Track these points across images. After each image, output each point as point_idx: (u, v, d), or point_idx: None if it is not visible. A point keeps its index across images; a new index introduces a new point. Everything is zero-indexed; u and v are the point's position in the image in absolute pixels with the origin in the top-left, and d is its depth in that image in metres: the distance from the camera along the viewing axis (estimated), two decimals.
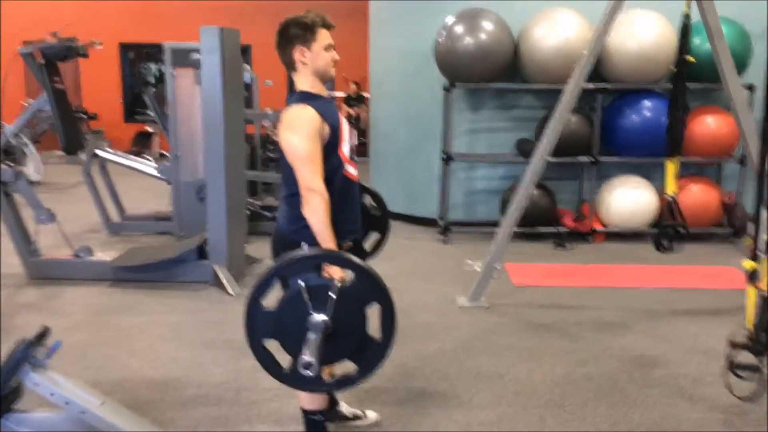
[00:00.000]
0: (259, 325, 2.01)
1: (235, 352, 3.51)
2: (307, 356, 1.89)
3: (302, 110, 2.25)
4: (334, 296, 1.94)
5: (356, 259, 2.00)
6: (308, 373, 1.89)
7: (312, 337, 1.94)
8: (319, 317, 1.96)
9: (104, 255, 4.90)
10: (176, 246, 4.99)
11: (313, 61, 2.31)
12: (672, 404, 3.00)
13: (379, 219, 2.85)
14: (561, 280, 4.91)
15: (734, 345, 2.93)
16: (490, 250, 4.31)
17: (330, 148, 2.29)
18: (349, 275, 2.01)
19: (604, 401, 3.02)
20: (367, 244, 2.77)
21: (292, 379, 2.05)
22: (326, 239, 2.21)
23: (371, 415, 2.81)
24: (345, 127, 2.38)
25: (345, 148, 2.35)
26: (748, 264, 2.93)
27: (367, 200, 2.87)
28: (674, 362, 3.45)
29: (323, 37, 2.32)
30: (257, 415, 2.87)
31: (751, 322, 2.90)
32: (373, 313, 2.01)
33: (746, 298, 2.94)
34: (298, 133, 2.22)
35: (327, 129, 2.27)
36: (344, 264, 2.03)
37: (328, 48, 2.33)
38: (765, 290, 2.87)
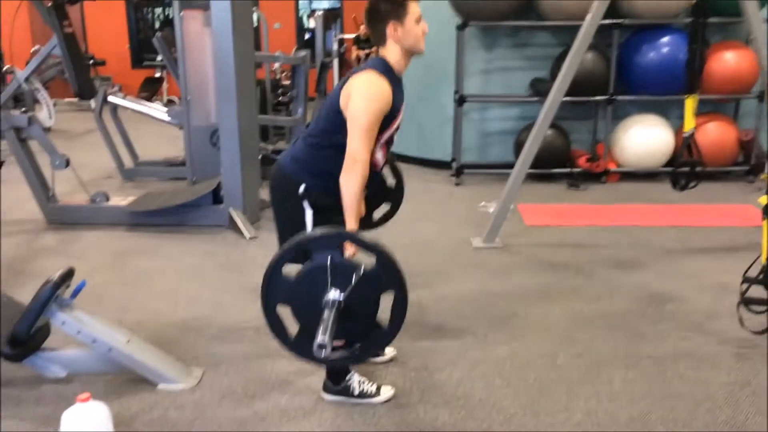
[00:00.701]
0: (275, 291, 2.06)
1: (252, 293, 3.56)
2: (321, 336, 1.92)
3: (382, 83, 2.25)
4: (354, 279, 1.98)
5: (386, 248, 2.01)
6: (320, 354, 1.93)
7: (326, 315, 1.97)
8: (336, 295, 2.00)
9: (120, 200, 4.95)
10: (191, 190, 5.02)
11: (406, 37, 2.31)
12: (684, 337, 3.04)
13: (394, 191, 2.86)
14: (574, 219, 4.91)
15: (748, 280, 2.95)
16: (503, 192, 4.31)
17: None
18: (369, 258, 2.02)
19: (616, 335, 3.07)
20: (377, 213, 2.79)
21: (296, 347, 2.12)
22: (353, 212, 2.24)
23: (389, 350, 2.87)
24: (400, 116, 2.37)
25: (387, 134, 2.35)
26: (764, 199, 2.92)
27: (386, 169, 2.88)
28: (687, 298, 3.49)
29: (413, 9, 2.31)
30: (277, 352, 2.91)
31: (766, 256, 2.91)
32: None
33: (762, 234, 2.94)
34: (369, 104, 2.22)
35: (389, 111, 2.28)
36: (373, 250, 2.02)
37: (418, 20, 2.32)
38: None
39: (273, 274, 2.04)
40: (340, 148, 2.27)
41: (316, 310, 2.01)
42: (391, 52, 2.34)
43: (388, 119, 2.30)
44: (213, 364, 2.81)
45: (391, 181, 2.89)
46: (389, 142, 2.41)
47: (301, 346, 2.08)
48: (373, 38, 2.37)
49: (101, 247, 4.34)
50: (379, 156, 2.39)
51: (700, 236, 4.47)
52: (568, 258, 4.10)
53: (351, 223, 2.26)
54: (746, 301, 2.95)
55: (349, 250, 2.16)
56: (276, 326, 2.11)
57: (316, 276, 2.01)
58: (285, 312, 2.13)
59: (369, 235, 2.09)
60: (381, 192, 2.76)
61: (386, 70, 2.31)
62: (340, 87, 2.32)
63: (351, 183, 2.22)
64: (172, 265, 4.01)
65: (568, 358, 2.87)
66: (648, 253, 4.16)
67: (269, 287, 2.06)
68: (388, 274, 2.01)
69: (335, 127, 2.29)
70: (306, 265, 2.04)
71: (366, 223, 2.70)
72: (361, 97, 2.23)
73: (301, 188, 2.35)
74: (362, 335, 2.10)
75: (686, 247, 4.28)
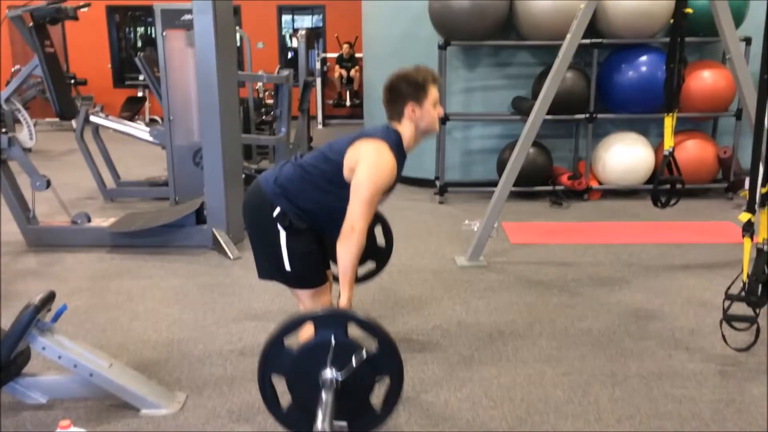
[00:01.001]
0: (274, 359, 2.06)
1: (237, 314, 3.55)
2: (320, 424, 1.92)
3: (390, 159, 2.31)
4: (355, 363, 1.99)
5: (387, 333, 2.04)
6: None
7: (326, 399, 1.98)
8: (334, 374, 2.01)
9: (102, 221, 4.90)
10: (174, 211, 4.99)
11: (422, 118, 2.38)
12: (668, 355, 3.06)
13: (382, 250, 2.89)
14: (558, 237, 4.94)
15: (730, 296, 2.98)
16: (487, 210, 4.33)
17: None
18: (372, 343, 2.05)
19: (601, 353, 3.08)
20: (361, 270, 2.81)
21: (287, 420, 2.12)
22: (348, 281, 2.27)
23: None
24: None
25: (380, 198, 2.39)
26: (744, 216, 2.96)
27: (377, 228, 2.93)
28: (671, 315, 3.51)
29: (433, 93, 2.37)
30: None
31: (747, 273, 2.94)
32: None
33: (743, 251, 2.98)
34: (376, 177, 2.26)
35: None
36: (374, 333, 2.04)
37: (435, 104, 2.39)
38: (761, 242, 2.91)
39: (273, 346, 2.05)
40: (328, 192, 2.35)
41: (311, 385, 2.03)
42: (406, 129, 2.41)
43: (386, 189, 2.36)
44: (197, 388, 2.77)
45: (381, 240, 2.91)
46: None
47: (293, 420, 2.10)
48: (389, 112, 2.43)
49: (82, 269, 4.29)
50: None
51: (681, 253, 4.51)
52: (552, 276, 4.12)
53: (346, 292, 2.28)
54: (729, 318, 2.98)
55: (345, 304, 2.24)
56: (269, 397, 2.11)
57: (317, 352, 2.03)
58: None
59: (364, 313, 2.12)
60: (370, 249, 2.77)
61: (397, 145, 2.37)
62: (350, 142, 2.36)
63: (348, 251, 2.25)
64: (155, 286, 3.97)
65: (554, 376, 2.87)
66: (631, 271, 4.20)
67: (268, 357, 2.06)
68: (387, 358, 2.04)
69: (332, 175, 2.34)
70: (308, 340, 2.07)
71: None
72: (369, 169, 2.27)
73: (276, 210, 2.36)
74: (352, 415, 2.10)
75: (668, 264, 4.32)
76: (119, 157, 6.69)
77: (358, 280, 2.81)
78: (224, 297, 3.80)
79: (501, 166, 5.88)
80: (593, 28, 5.54)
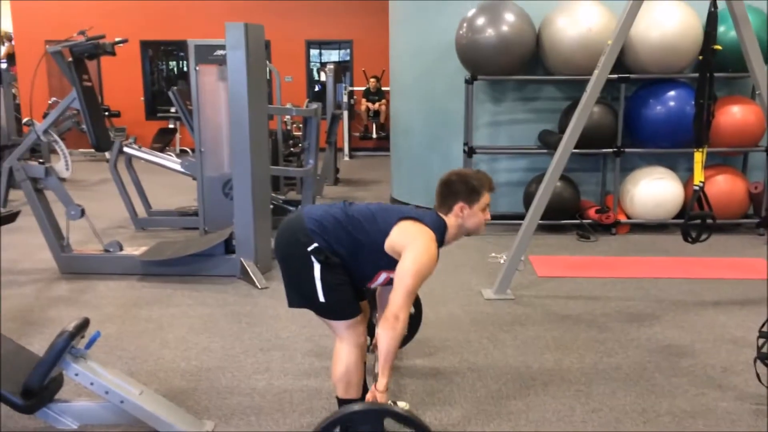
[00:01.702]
0: None
1: (264, 343, 3.57)
2: None
3: (435, 253, 2.37)
4: None
5: (424, 424, 2.09)
6: None
7: None
8: None
9: (133, 250, 4.99)
10: (203, 240, 5.06)
11: (469, 219, 2.49)
12: (701, 393, 3.00)
13: (412, 318, 2.92)
14: (586, 271, 4.90)
15: (764, 334, 2.92)
16: (514, 242, 4.32)
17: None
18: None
19: (632, 390, 3.03)
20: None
21: None
22: (387, 367, 2.30)
23: (402, 405, 2.85)
24: None
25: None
26: None
27: None
28: (702, 352, 3.45)
29: (485, 199, 2.48)
30: (289, 403, 2.92)
31: None
32: None
33: None
34: (421, 269, 2.31)
35: None
36: (411, 425, 2.09)
37: (485, 209, 2.49)
38: None
39: None
40: (365, 248, 2.41)
41: None
42: (451, 224, 2.50)
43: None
44: (224, 417, 2.79)
45: (411, 309, 2.93)
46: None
47: None
48: (439, 204, 2.52)
49: (113, 296, 4.36)
50: (384, 281, 2.52)
51: (712, 289, 4.44)
52: (581, 310, 4.08)
53: (384, 377, 2.30)
54: (763, 357, 2.92)
55: (382, 398, 2.27)
56: None
57: None
58: None
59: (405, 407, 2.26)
60: None
61: (441, 235, 2.45)
62: (401, 216, 2.44)
63: (391, 338, 2.27)
64: (184, 314, 4.02)
65: (584, 413, 2.83)
66: (660, 306, 4.14)
67: None
68: None
69: (374, 239, 2.40)
70: None
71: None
72: (415, 261, 2.32)
73: (313, 245, 2.38)
74: None
75: (699, 300, 4.26)
76: (150, 187, 6.83)
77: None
78: (252, 326, 3.82)
79: (528, 199, 5.88)
80: (620, 62, 5.55)
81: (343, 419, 2.12)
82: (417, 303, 3.00)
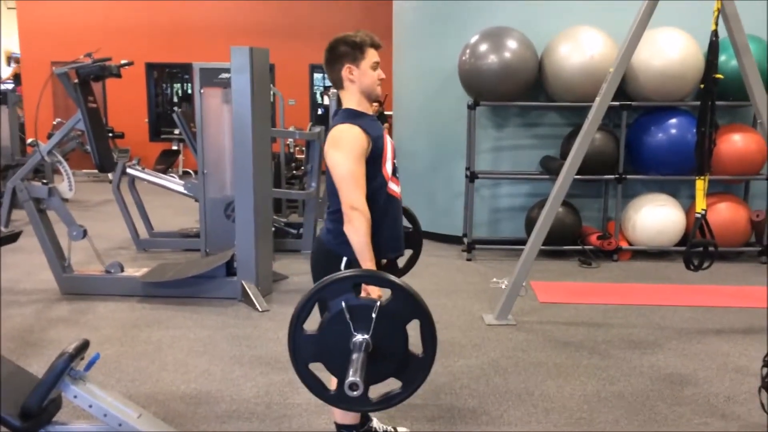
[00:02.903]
0: (302, 349, 2.02)
1: (264, 367, 3.55)
2: (351, 376, 1.88)
3: (348, 129, 2.29)
4: (375, 315, 1.96)
5: (393, 278, 2.00)
6: (354, 393, 1.89)
7: (355, 356, 1.94)
8: (361, 337, 1.97)
9: (134, 271, 4.98)
10: (205, 262, 5.05)
11: (360, 80, 2.36)
12: (704, 423, 2.98)
13: (412, 235, 2.87)
14: (587, 297, 4.88)
15: None
16: (515, 268, 4.31)
17: (374, 166, 2.32)
18: (387, 293, 2.02)
19: (635, 419, 3.00)
20: (401, 261, 2.79)
21: (340, 399, 2.04)
22: (366, 258, 2.23)
23: (402, 431, 2.82)
24: (389, 145, 2.42)
25: (388, 166, 2.39)
26: None
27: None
28: (706, 380, 3.42)
29: (371, 55, 2.37)
30: (288, 428, 2.89)
31: None
32: (413, 328, 2.01)
33: None
34: (343, 152, 2.26)
35: (371, 147, 2.31)
36: (382, 283, 2.04)
37: (375, 66, 2.38)
38: None
39: (295, 333, 2.00)
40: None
41: (347, 357, 1.97)
42: (350, 94, 2.39)
43: (376, 153, 2.33)
44: None
45: (406, 224, 2.89)
46: (396, 171, 2.44)
47: (344, 398, 2.00)
48: (330, 79, 2.43)
49: (114, 318, 4.34)
50: (394, 186, 2.42)
51: (715, 317, 4.42)
52: (582, 337, 4.06)
53: (367, 265, 2.24)
54: (767, 386, 2.89)
55: (375, 292, 2.15)
56: (312, 385, 2.06)
57: (337, 324, 1.98)
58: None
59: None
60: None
61: (349, 115, 2.35)
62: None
63: (355, 230, 2.23)
64: (184, 336, 4.00)
65: None
66: (663, 334, 4.12)
67: (295, 347, 2.02)
68: (406, 303, 1.99)
69: (336, 189, 2.32)
70: (324, 316, 2.02)
71: (392, 271, 2.66)
72: (334, 148, 2.28)
73: (344, 262, 2.35)
74: (400, 369, 2.05)
75: (701, 328, 4.24)
76: (153, 209, 6.84)
77: (402, 271, 2.76)
78: (252, 349, 3.80)
79: (529, 224, 5.88)
80: (622, 90, 5.59)
81: (311, 298, 2.01)
82: (412, 218, 2.87)
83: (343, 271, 2.19)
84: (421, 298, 1.99)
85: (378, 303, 1.96)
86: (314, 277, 2.47)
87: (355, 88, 2.37)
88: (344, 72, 2.36)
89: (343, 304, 1.97)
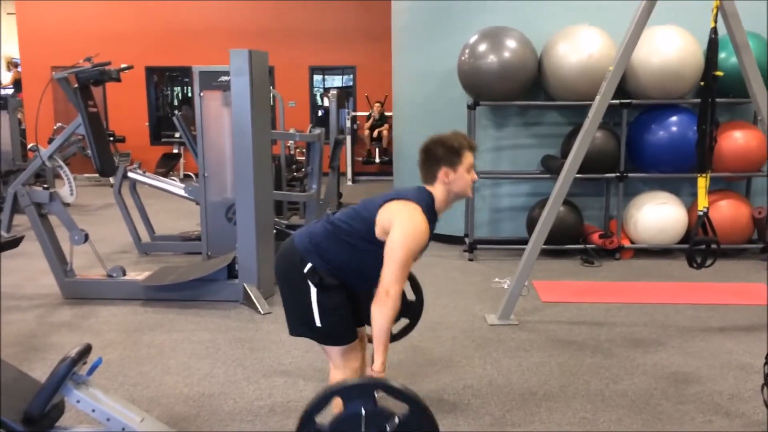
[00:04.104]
0: None
1: (266, 369, 3.55)
2: None
3: (423, 223, 2.32)
4: (389, 430, 1.97)
5: (416, 395, 2.01)
6: None
7: None
8: None
9: (136, 275, 4.98)
10: (206, 265, 5.05)
11: (455, 183, 2.41)
12: (708, 421, 2.97)
13: (413, 305, 2.89)
14: (590, 296, 4.88)
15: None
16: (517, 268, 4.31)
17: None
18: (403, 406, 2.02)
19: (638, 417, 3.00)
20: (395, 327, 2.81)
21: None
22: (382, 345, 2.26)
23: None
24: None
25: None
26: None
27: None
28: (709, 378, 3.42)
29: (468, 158, 2.42)
30: (291, 430, 2.88)
31: None
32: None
33: None
34: (409, 241, 2.27)
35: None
36: (404, 399, 2.02)
37: (470, 169, 2.42)
38: None
39: (306, 425, 2.01)
40: (360, 250, 2.37)
41: None
42: (439, 192, 2.44)
43: (419, 251, 2.38)
44: None
45: (411, 296, 2.91)
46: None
47: None
48: (423, 175, 2.46)
49: (116, 321, 4.34)
50: None
51: (718, 315, 4.42)
52: (585, 336, 4.05)
53: (380, 356, 2.26)
54: None
55: (379, 372, 2.21)
56: None
57: (350, 425, 1.99)
58: None
59: (399, 380, 2.10)
60: (402, 306, 2.78)
61: (429, 207, 2.40)
62: (384, 201, 2.38)
63: (383, 315, 2.24)
64: (186, 340, 4.00)
65: None
66: (666, 332, 4.11)
67: None
68: (422, 423, 2.00)
69: (365, 233, 2.36)
70: (338, 415, 2.03)
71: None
72: (403, 233, 2.28)
73: (307, 266, 2.38)
74: None
75: (704, 325, 4.23)
76: (154, 212, 6.84)
77: (393, 338, 2.78)
78: (254, 352, 3.80)
79: (531, 224, 5.88)
80: (622, 88, 5.58)
81: (332, 395, 2.03)
82: (417, 289, 2.93)
83: (369, 378, 2.21)
84: (436, 421, 2.01)
85: (396, 419, 1.97)
86: (277, 277, 2.52)
87: (448, 188, 2.43)
88: (440, 174, 2.41)
89: (363, 411, 1.97)
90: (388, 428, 1.97)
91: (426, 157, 2.44)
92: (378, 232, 2.35)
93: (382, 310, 2.23)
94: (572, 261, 5.90)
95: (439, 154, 2.40)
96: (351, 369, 2.47)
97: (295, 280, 2.43)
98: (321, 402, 2.01)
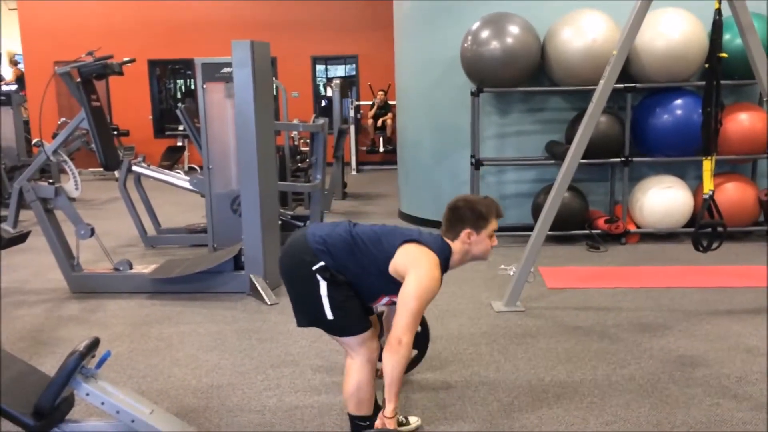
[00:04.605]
0: None
1: (274, 360, 3.56)
2: None
3: (438, 277, 2.37)
4: None
5: None
6: None
7: None
8: None
9: (142, 268, 5.00)
10: (212, 257, 5.06)
11: (475, 246, 2.47)
12: (716, 404, 2.97)
13: (419, 335, 2.91)
14: (596, 282, 4.87)
15: None
16: (523, 254, 4.30)
17: (388, 284, 2.41)
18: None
19: (646, 402, 3.00)
20: None
21: None
22: (394, 392, 2.28)
23: (413, 420, 2.83)
24: None
25: (384, 300, 2.50)
26: None
27: None
28: (717, 361, 3.41)
29: (492, 226, 2.47)
30: (300, 420, 2.90)
31: None
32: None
33: None
34: (424, 293, 2.31)
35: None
36: None
37: (492, 235, 2.48)
38: None
39: None
40: (370, 273, 2.41)
41: None
42: (457, 249, 2.48)
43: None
44: None
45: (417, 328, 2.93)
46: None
47: None
48: (446, 229, 2.50)
49: (124, 315, 4.36)
50: (386, 303, 2.53)
51: (725, 298, 4.41)
52: (592, 321, 4.05)
53: (392, 403, 2.29)
54: None
55: (392, 425, 2.24)
56: None
57: None
58: None
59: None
60: None
61: (445, 261, 2.44)
62: (405, 239, 2.42)
63: (395, 363, 2.26)
64: (194, 332, 4.01)
65: (598, 425, 2.80)
66: (672, 316, 4.11)
67: None
68: None
69: (379, 262, 2.39)
70: None
71: None
72: (419, 285, 2.31)
73: (319, 264, 2.38)
74: None
75: (711, 309, 4.22)
76: (159, 205, 6.85)
77: (405, 370, 2.82)
78: (262, 343, 3.82)
79: (536, 210, 5.87)
80: (626, 72, 5.55)
81: None
82: (423, 323, 2.98)
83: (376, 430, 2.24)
84: None
85: None
86: (282, 270, 2.53)
87: (467, 248, 2.47)
88: (463, 234, 2.45)
89: None
90: None
91: (452, 215, 2.48)
92: (391, 269, 2.39)
93: (395, 357, 2.26)
94: (578, 247, 5.89)
95: (466, 215, 2.45)
96: (368, 360, 2.48)
97: (305, 276, 2.42)
98: None
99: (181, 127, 11.03)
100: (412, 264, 2.35)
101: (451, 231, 2.48)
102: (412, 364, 3.00)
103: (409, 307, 2.28)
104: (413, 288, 2.30)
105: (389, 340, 2.28)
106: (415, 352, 2.97)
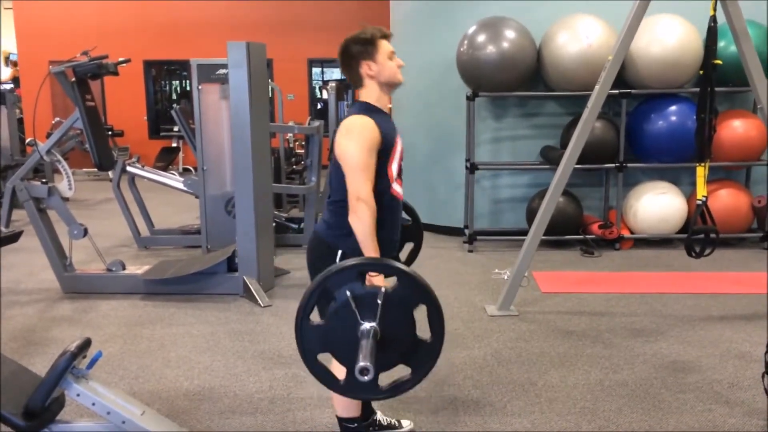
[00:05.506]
0: (310, 341, 2.00)
1: (267, 362, 3.55)
2: (362, 361, 1.87)
3: (361, 120, 2.28)
4: (380, 302, 1.95)
5: (398, 264, 2.00)
6: (365, 378, 1.86)
7: (364, 342, 1.93)
8: (369, 325, 1.95)
9: (135, 269, 4.98)
10: (206, 258, 5.05)
11: (380, 72, 2.36)
12: (708, 410, 2.97)
13: (411, 228, 2.87)
14: (590, 287, 4.88)
15: None
16: (517, 258, 4.30)
17: (381, 163, 2.30)
18: (392, 281, 2.01)
19: (638, 407, 3.00)
20: (402, 254, 2.78)
21: (350, 388, 2.04)
22: (370, 249, 2.23)
23: (406, 423, 2.82)
24: (399, 146, 2.40)
25: (394, 167, 2.37)
26: None
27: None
28: (709, 367, 3.42)
29: (384, 47, 2.37)
30: (292, 422, 2.89)
31: None
32: (420, 313, 1.99)
33: None
34: (355, 142, 2.24)
35: (382, 142, 2.29)
36: (387, 270, 2.02)
37: (391, 56, 2.37)
38: None
39: (302, 324, 1.98)
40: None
41: (356, 347, 1.95)
42: (370, 90, 2.38)
43: (386, 151, 2.31)
44: None
45: (406, 218, 2.88)
46: (400, 173, 2.43)
47: (354, 387, 2.01)
48: (350, 80, 2.42)
49: (116, 316, 4.34)
50: (397, 187, 2.40)
51: (718, 304, 4.42)
52: (585, 326, 4.05)
53: (369, 255, 2.23)
54: None
55: (379, 282, 2.12)
56: (322, 375, 2.04)
57: (343, 314, 1.96)
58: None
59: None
60: (402, 232, 2.75)
61: (365, 108, 2.35)
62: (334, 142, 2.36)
63: (361, 221, 2.22)
64: (187, 333, 4.00)
65: (590, 430, 2.80)
66: (666, 322, 4.11)
67: (303, 339, 2.00)
68: (411, 288, 1.97)
69: (342, 178, 2.30)
70: (331, 306, 2.00)
71: None
72: (345, 138, 2.27)
73: (339, 254, 2.34)
74: (409, 356, 2.04)
75: (704, 314, 4.23)
76: (153, 206, 6.83)
77: (408, 262, 2.76)
78: (255, 344, 3.80)
79: (530, 215, 5.87)
80: (621, 78, 5.57)
81: (316, 289, 1.99)
82: (413, 213, 2.88)
83: (349, 260, 2.12)
84: (427, 283, 1.96)
85: (383, 289, 1.95)
86: (310, 271, 2.46)
87: (376, 82, 2.37)
88: (363, 69, 2.36)
89: (348, 293, 1.95)
90: (378, 301, 1.94)
91: (344, 59, 2.39)
92: (338, 158, 2.31)
93: (359, 216, 2.21)
94: (572, 251, 5.90)
95: (354, 50, 2.35)
96: None
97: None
98: (311, 297, 1.97)
99: (176, 128, 11.03)
100: (338, 135, 2.30)
101: (354, 75, 2.38)
102: (411, 256, 2.89)
103: (350, 164, 2.23)
104: (344, 143, 2.25)
105: (349, 202, 2.23)
106: (410, 244, 2.90)
